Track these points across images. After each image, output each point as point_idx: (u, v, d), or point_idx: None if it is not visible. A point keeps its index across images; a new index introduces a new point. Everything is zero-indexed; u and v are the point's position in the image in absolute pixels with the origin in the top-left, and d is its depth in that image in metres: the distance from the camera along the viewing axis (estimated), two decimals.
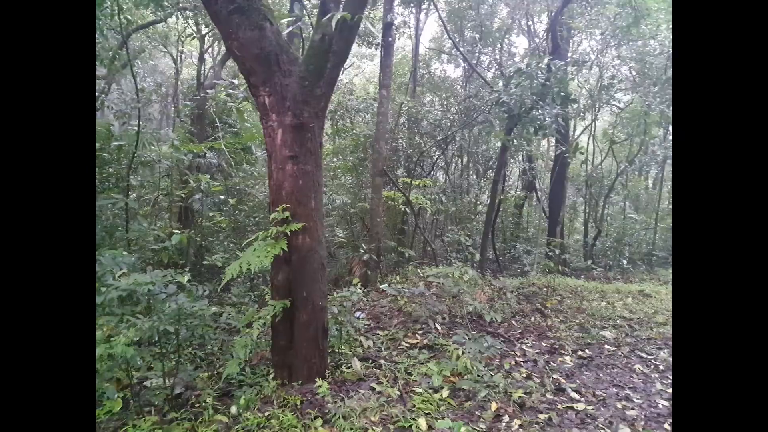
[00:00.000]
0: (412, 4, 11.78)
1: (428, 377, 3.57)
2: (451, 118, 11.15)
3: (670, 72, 10.13)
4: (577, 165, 14.19)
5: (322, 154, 11.39)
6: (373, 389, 3.43)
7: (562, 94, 5.34)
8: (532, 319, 5.43)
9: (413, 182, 9.15)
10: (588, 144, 13.20)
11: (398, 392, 3.34)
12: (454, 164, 14.54)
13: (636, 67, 11.84)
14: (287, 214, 3.25)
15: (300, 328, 3.42)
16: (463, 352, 3.83)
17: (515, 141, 8.62)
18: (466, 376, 3.61)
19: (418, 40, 13.77)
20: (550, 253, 7.53)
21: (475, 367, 3.62)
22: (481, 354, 3.87)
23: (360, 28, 9.40)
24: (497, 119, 8.30)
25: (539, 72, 5.19)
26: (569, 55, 11.42)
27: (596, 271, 9.50)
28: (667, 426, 3.09)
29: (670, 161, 15.80)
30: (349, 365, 3.84)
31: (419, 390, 3.40)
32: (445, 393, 3.37)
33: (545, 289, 6.78)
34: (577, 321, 5.32)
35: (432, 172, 12.25)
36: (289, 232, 3.24)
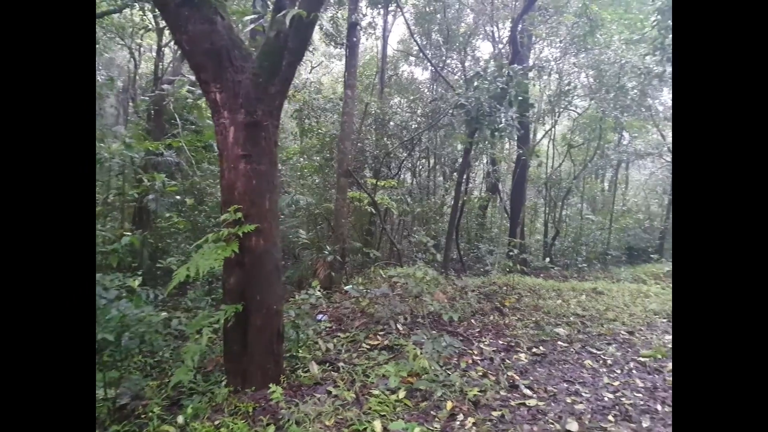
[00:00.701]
0: (379, 5, 11.81)
1: (386, 378, 3.56)
2: (417, 120, 11.24)
3: (623, 80, 10.59)
4: (538, 168, 14.62)
5: (289, 154, 11.22)
6: (330, 393, 3.39)
7: (520, 98, 5.47)
8: (491, 317, 5.52)
9: (379, 183, 9.15)
10: (548, 148, 13.61)
11: (354, 395, 3.31)
12: (421, 166, 14.68)
13: (593, 74, 12.32)
14: (239, 215, 3.17)
15: (254, 333, 3.34)
16: (421, 353, 3.84)
17: (479, 144, 8.78)
18: (423, 376, 3.61)
19: (385, 41, 13.81)
20: (511, 253, 7.70)
21: (432, 367, 3.64)
22: (439, 354, 3.90)
23: (326, 28, 9.29)
24: (459, 122, 8.42)
25: (498, 76, 5.31)
26: (531, 61, 11.76)
27: (554, 270, 9.81)
28: (611, 417, 3.20)
29: (624, 165, 16.56)
30: (306, 369, 3.78)
31: (376, 392, 3.38)
32: (401, 394, 3.36)
33: (505, 288, 6.92)
34: (534, 319, 5.45)
35: (399, 174, 12.31)
36: (241, 234, 3.15)
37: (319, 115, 10.26)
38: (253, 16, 5.06)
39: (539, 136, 15.05)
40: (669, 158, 13.80)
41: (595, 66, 10.83)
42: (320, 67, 19.22)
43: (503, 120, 5.19)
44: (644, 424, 3.16)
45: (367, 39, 15.32)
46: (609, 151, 12.96)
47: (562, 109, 11.88)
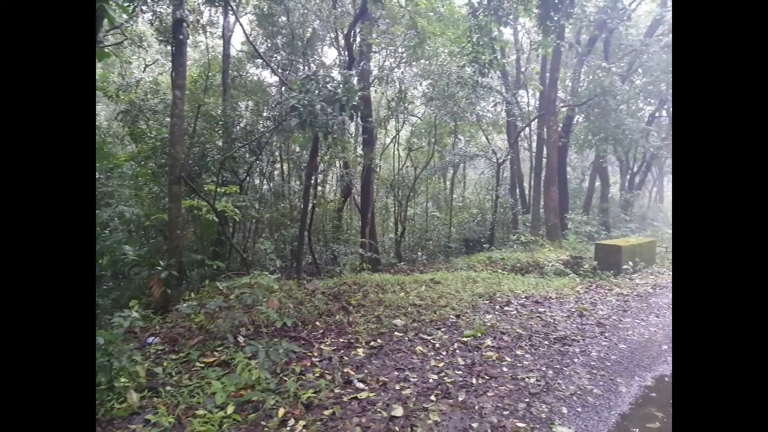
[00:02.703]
0: (216, 3, 11.16)
1: (213, 396, 3.37)
2: (262, 123, 10.94)
3: (453, 89, 11.89)
4: (387, 170, 15.53)
5: (118, 161, 9.82)
6: (148, 421, 3.07)
7: (353, 103, 5.73)
8: (337, 317, 5.63)
9: (220, 190, 8.64)
10: (394, 151, 14.55)
11: (174, 419, 3.05)
12: (276, 171, 14.33)
13: (428, 83, 13.58)
14: None
15: None
16: (254, 363, 3.73)
17: (330, 147, 8.91)
18: (257, 387, 3.52)
19: (227, 41, 13.14)
20: (361, 252, 8.00)
21: (264, 377, 3.56)
22: (274, 362, 3.83)
23: (159, 24, 8.36)
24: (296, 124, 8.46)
25: (329, 80, 5.48)
26: (375, 69, 12.43)
27: (401, 265, 10.51)
28: (433, 397, 3.53)
29: (462, 165, 18.64)
30: (123, 400, 3.36)
31: (201, 411, 3.17)
32: (230, 409, 3.22)
33: (354, 286, 7.15)
34: (376, 313, 5.72)
35: (248, 179, 11.81)
36: None
37: (149, 118, 9.25)
38: None
39: (388, 140, 16.02)
40: (494, 159, 15.95)
41: (428, 75, 11.93)
42: (156, 66, 17.44)
43: (334, 123, 5.37)
44: (460, 398, 3.56)
45: (207, 38, 14.39)
46: (446, 154, 14.41)
47: (403, 116, 12.81)
